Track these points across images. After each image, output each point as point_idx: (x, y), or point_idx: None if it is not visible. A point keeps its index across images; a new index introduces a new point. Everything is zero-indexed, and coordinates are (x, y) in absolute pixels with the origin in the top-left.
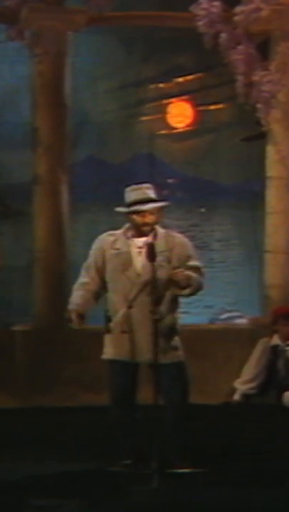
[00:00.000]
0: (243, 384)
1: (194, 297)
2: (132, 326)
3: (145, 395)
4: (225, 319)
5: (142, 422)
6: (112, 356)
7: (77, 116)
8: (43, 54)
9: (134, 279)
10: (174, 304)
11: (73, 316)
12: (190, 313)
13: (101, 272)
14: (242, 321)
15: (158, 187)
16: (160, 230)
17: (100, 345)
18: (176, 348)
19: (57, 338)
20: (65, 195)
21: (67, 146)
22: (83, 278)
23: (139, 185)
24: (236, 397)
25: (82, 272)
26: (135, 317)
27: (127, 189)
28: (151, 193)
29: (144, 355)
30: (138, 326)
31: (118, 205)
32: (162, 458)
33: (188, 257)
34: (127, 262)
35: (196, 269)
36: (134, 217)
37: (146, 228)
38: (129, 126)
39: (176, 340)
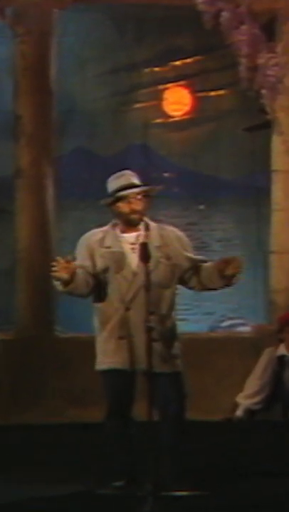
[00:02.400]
0: (246, 398)
1: (193, 303)
2: (130, 330)
3: (139, 409)
4: (226, 327)
5: (135, 438)
6: (107, 366)
7: (64, 103)
8: (26, 34)
9: (131, 279)
10: (174, 305)
11: (59, 261)
12: (188, 321)
13: (91, 273)
14: (245, 329)
15: (152, 182)
16: (152, 224)
17: (89, 355)
18: (176, 356)
19: (42, 348)
20: (50, 191)
21: (53, 136)
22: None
23: (122, 172)
24: (239, 412)
25: None
26: (133, 320)
27: (110, 179)
28: (135, 179)
29: (144, 362)
30: (136, 330)
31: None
32: (157, 479)
33: (186, 250)
34: (120, 261)
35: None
36: (120, 205)
37: (134, 216)
38: (121, 114)
39: (177, 347)
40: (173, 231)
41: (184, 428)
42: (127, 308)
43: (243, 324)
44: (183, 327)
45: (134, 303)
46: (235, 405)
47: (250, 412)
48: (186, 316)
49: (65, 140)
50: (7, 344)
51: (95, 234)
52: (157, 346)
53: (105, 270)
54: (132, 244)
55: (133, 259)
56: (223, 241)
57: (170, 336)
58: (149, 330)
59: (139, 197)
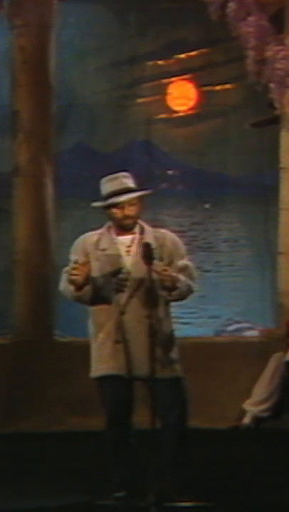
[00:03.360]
0: (253, 405)
1: (198, 306)
2: (126, 334)
3: (140, 417)
4: (233, 331)
5: (137, 447)
6: (104, 372)
7: (64, 97)
8: (24, 26)
9: (125, 282)
10: (169, 308)
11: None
12: (193, 324)
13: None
14: (252, 333)
15: (156, 180)
16: (146, 227)
17: (89, 361)
18: (174, 361)
19: (40, 353)
20: (49, 189)
21: (52, 132)
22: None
23: (115, 175)
24: (246, 420)
25: (63, 277)
26: (128, 324)
27: (102, 180)
28: (130, 183)
29: (142, 368)
30: (132, 335)
31: (95, 200)
32: (160, 489)
33: (180, 256)
34: (116, 264)
35: (185, 268)
36: (114, 210)
37: (128, 222)
38: (123, 109)
39: (175, 352)
40: (169, 234)
41: (186, 436)
42: (122, 312)
43: (250, 328)
44: (187, 331)
45: (128, 306)
46: (242, 413)
47: (257, 420)
48: (191, 319)
49: (65, 136)
50: (4, 348)
51: (90, 236)
52: (156, 350)
53: (100, 273)
54: (128, 246)
55: (128, 261)
56: (229, 241)
57: (167, 340)
58: (151, 327)
59: (133, 202)
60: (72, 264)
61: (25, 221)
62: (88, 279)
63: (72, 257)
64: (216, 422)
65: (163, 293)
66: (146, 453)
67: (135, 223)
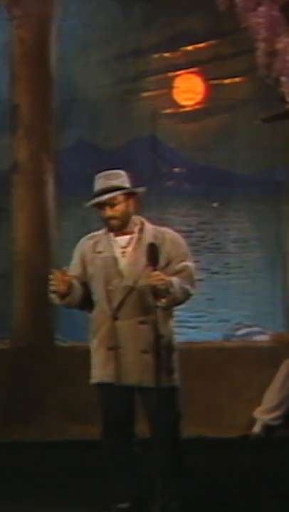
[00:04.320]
0: (264, 413)
1: (206, 309)
2: (118, 341)
3: (142, 426)
4: (242, 336)
5: (140, 456)
6: (98, 380)
7: (65, 91)
8: (24, 17)
9: (118, 285)
10: (170, 313)
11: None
12: (200, 329)
13: (82, 281)
14: (262, 338)
15: (162, 177)
16: (146, 225)
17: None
18: (172, 370)
19: (40, 358)
20: (50, 187)
21: (53, 127)
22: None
23: (103, 173)
24: (256, 429)
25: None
26: (121, 330)
27: (95, 177)
28: (116, 181)
29: (132, 376)
30: (125, 342)
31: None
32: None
33: (180, 257)
34: (110, 267)
35: (183, 270)
36: (100, 211)
37: (113, 223)
38: (127, 103)
39: (174, 360)
40: (169, 233)
41: (179, 450)
42: (115, 318)
43: (260, 332)
44: (195, 335)
45: (121, 312)
46: (252, 421)
47: (268, 429)
48: (199, 323)
49: (66, 132)
50: (3, 353)
51: (90, 239)
52: (148, 358)
53: (95, 277)
54: (123, 248)
55: (122, 264)
56: (238, 242)
57: (165, 347)
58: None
59: (116, 201)
60: (51, 274)
61: (25, 220)
62: (71, 288)
63: (73, 259)
64: (225, 430)
65: (153, 299)
66: (152, 463)
67: (123, 224)
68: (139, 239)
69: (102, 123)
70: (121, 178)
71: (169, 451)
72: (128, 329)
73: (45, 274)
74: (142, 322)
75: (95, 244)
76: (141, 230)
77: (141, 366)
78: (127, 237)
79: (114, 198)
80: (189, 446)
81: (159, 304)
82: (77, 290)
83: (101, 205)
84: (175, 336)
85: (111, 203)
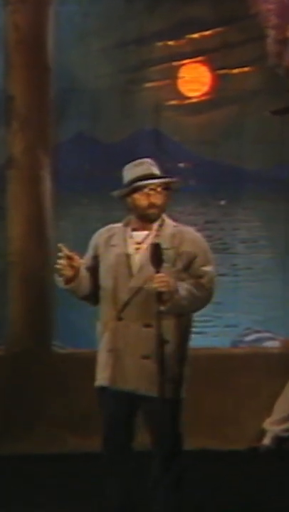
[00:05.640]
0: (274, 424)
1: (212, 314)
2: (119, 343)
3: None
4: (251, 341)
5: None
6: (98, 383)
7: (63, 81)
8: (20, 1)
9: (127, 283)
10: (185, 320)
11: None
12: (207, 334)
13: (94, 276)
14: (273, 344)
15: (165, 173)
16: (168, 221)
17: (92, 374)
18: (176, 380)
19: (37, 366)
20: (47, 183)
21: (50, 120)
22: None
23: (141, 160)
24: (266, 441)
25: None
26: (123, 332)
27: (126, 167)
28: (156, 170)
29: (128, 381)
30: (126, 344)
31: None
32: None
33: (200, 261)
34: (121, 263)
35: (201, 276)
36: (137, 197)
37: (153, 211)
38: (129, 94)
39: (181, 370)
40: (189, 233)
41: (181, 467)
42: (119, 318)
43: (270, 338)
44: (201, 341)
45: (125, 312)
46: (262, 432)
47: (279, 440)
48: (205, 328)
49: (64, 124)
50: None
51: (107, 230)
52: (148, 364)
53: (105, 272)
54: (138, 243)
55: (135, 260)
56: (247, 242)
57: (170, 354)
58: (159, 316)
59: (159, 189)
60: (59, 252)
61: (21, 219)
62: (78, 274)
63: (87, 252)
64: (233, 442)
65: (156, 303)
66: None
67: (160, 215)
68: (156, 236)
69: (103, 115)
70: (156, 167)
71: (168, 464)
72: (131, 332)
73: (41, 275)
74: (146, 325)
75: (111, 237)
76: (160, 227)
77: (139, 372)
78: (145, 232)
79: (163, 184)
80: (194, 458)
81: (162, 308)
82: (85, 280)
83: (142, 190)
84: (187, 344)
85: (156, 190)
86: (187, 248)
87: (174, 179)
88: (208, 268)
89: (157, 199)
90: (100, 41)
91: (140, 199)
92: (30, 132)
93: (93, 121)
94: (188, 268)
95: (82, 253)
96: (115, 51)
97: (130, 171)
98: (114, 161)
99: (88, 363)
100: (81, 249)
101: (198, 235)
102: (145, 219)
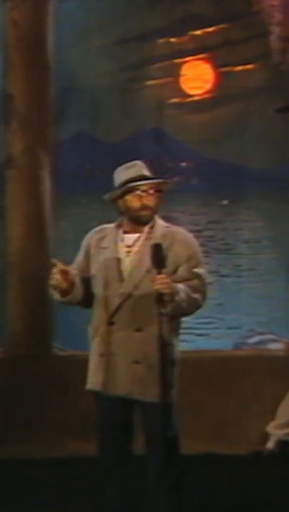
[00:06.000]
0: (278, 428)
1: (215, 315)
2: (111, 348)
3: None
4: (255, 344)
5: (136, 476)
6: (90, 386)
7: (64, 79)
8: None
9: (117, 287)
10: (175, 323)
11: (56, 268)
12: (209, 336)
13: (86, 281)
14: (277, 346)
15: (167, 172)
16: (159, 222)
17: None
18: (170, 385)
19: (37, 368)
20: (47, 183)
21: (50, 119)
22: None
23: (132, 163)
24: (270, 444)
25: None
26: (115, 337)
27: (117, 170)
28: (147, 172)
29: (121, 386)
30: (118, 349)
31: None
32: None
33: (192, 263)
34: (111, 266)
35: (194, 277)
36: (129, 198)
37: (145, 213)
38: (130, 93)
39: (174, 374)
40: (181, 234)
41: (178, 472)
42: (110, 323)
43: (274, 340)
44: (203, 343)
45: (117, 316)
46: (265, 436)
47: (283, 444)
48: (207, 330)
49: (65, 124)
50: None
51: (98, 232)
52: (139, 368)
53: (95, 276)
54: (128, 247)
55: (125, 265)
56: (250, 242)
57: (167, 359)
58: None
59: (151, 191)
60: (53, 268)
61: (20, 219)
62: (73, 286)
63: (78, 253)
64: (236, 446)
65: (157, 305)
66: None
67: (152, 217)
68: (147, 238)
69: (103, 114)
70: (149, 170)
71: (165, 469)
72: (122, 336)
73: (41, 276)
74: (137, 329)
75: (102, 238)
76: (151, 228)
77: (131, 377)
78: (136, 235)
79: (155, 185)
80: (196, 462)
81: (163, 310)
82: (79, 289)
83: (133, 192)
84: (178, 349)
85: (148, 192)
86: (178, 249)
87: (165, 180)
88: (200, 270)
89: (149, 201)
90: (101, 38)
91: (132, 201)
92: (29, 131)
93: (93, 120)
94: (179, 269)
95: None
96: (116, 48)
97: (121, 174)
98: (114, 160)
99: (87, 366)
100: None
101: (189, 235)
102: (137, 221)
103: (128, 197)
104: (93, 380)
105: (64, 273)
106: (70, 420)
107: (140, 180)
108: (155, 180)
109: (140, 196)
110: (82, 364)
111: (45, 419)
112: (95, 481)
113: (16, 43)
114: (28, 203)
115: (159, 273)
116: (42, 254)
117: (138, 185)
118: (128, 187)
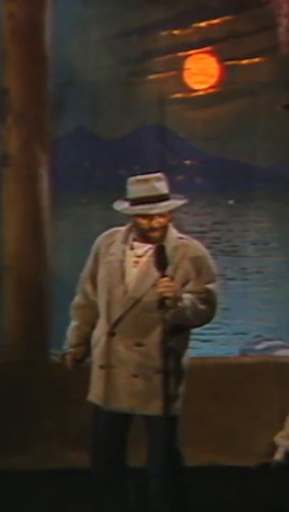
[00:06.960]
0: (286, 438)
1: (220, 321)
2: (111, 360)
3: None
4: (262, 350)
5: (133, 490)
6: (90, 397)
7: (62, 74)
8: None
9: (121, 297)
10: (183, 334)
11: (68, 361)
12: (214, 342)
13: (95, 280)
14: (285, 353)
15: (170, 171)
16: (172, 232)
17: (89, 385)
18: (174, 397)
19: (34, 376)
20: (44, 182)
21: (48, 114)
22: (78, 297)
23: (147, 176)
24: (278, 456)
25: (78, 287)
26: (116, 348)
27: (130, 180)
28: (162, 187)
29: (122, 400)
30: (118, 362)
31: (117, 198)
32: None
33: (202, 279)
34: (116, 275)
35: (202, 292)
36: (139, 220)
37: (154, 235)
38: (131, 87)
39: (178, 385)
40: (193, 247)
41: (181, 487)
42: (112, 334)
43: (282, 346)
44: (208, 350)
45: (119, 327)
46: (273, 447)
47: None
48: (212, 336)
49: (63, 119)
50: None
51: (109, 236)
52: (138, 382)
53: (100, 283)
54: (138, 257)
55: (132, 274)
56: (258, 244)
57: (172, 372)
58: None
59: (164, 213)
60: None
61: (17, 219)
62: (84, 357)
63: (89, 256)
64: (243, 458)
65: (159, 309)
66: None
67: (162, 237)
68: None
69: (103, 109)
70: (164, 182)
71: (168, 483)
72: (122, 349)
73: (38, 280)
74: (138, 344)
75: (111, 244)
76: (163, 240)
77: (130, 391)
78: (148, 246)
79: (167, 209)
80: (201, 474)
81: (165, 315)
82: (87, 344)
83: (145, 215)
84: (185, 359)
85: (161, 214)
86: (189, 265)
87: (179, 202)
88: (210, 286)
89: (158, 223)
90: (101, 30)
91: (142, 223)
92: (26, 128)
93: (93, 115)
94: (187, 285)
95: (81, 254)
96: (117, 41)
97: (134, 187)
98: (115, 158)
99: (87, 373)
100: (80, 250)
101: (204, 250)
102: (147, 240)
103: (138, 218)
104: (94, 392)
105: (75, 362)
106: (68, 429)
107: (152, 200)
108: (168, 207)
109: (150, 219)
110: (80, 371)
111: (43, 429)
112: (93, 492)
113: (12, 35)
114: (25, 202)
115: (163, 276)
116: (39, 256)
117: (147, 213)
118: (137, 213)
